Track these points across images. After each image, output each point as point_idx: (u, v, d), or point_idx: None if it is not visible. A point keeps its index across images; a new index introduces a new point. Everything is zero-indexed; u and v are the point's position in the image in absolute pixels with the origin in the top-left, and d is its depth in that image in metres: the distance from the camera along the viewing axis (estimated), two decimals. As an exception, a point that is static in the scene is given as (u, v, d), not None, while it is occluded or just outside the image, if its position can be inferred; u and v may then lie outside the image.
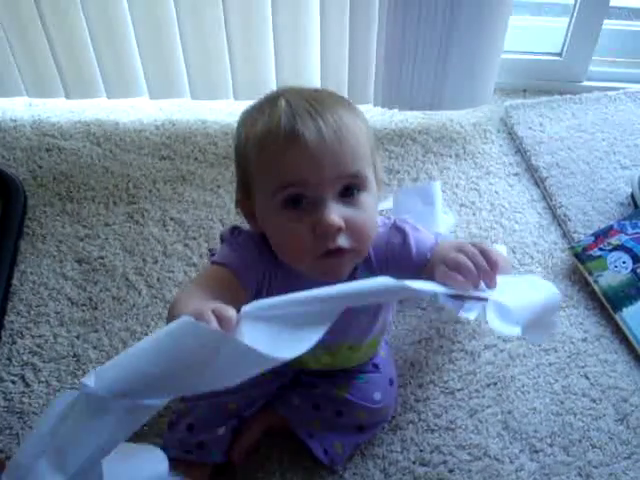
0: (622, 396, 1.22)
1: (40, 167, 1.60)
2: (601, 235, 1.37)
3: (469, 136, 1.64)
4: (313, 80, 1.61)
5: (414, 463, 1.12)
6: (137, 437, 0.87)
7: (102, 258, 1.39)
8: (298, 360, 0.67)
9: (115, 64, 1.62)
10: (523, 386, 1.22)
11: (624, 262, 1.34)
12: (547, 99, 1.73)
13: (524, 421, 1.18)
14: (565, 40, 1.73)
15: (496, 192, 1.51)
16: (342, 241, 0.82)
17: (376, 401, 1.11)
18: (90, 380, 0.66)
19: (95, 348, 1.26)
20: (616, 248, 1.35)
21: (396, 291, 0.72)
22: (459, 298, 0.87)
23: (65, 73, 1.64)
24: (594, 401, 1.21)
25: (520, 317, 0.72)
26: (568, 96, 1.74)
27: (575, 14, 1.67)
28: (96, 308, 1.31)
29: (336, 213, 0.81)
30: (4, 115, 1.74)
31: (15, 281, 1.37)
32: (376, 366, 1.15)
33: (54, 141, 1.66)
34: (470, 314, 1.25)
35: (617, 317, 1.30)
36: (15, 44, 1.60)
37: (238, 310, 0.69)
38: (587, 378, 1.24)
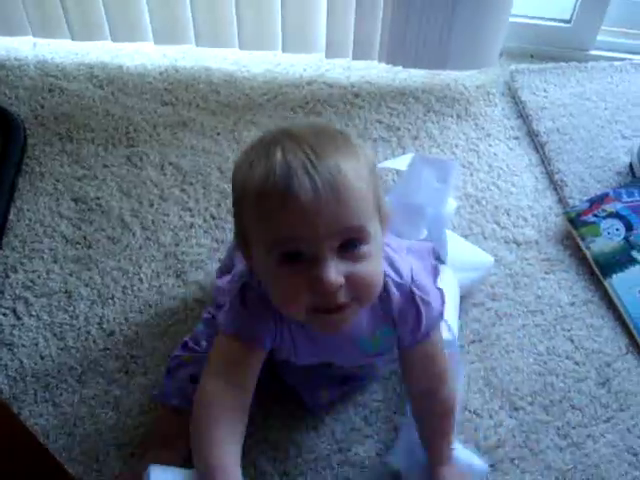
0: (606, 361, 1.23)
1: (42, 107, 1.60)
2: (596, 202, 1.38)
3: (472, 98, 1.63)
4: (319, 38, 1.61)
5: (395, 413, 1.14)
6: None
7: (98, 199, 1.40)
8: None
9: (121, 7, 1.62)
10: (508, 345, 1.23)
11: (617, 229, 1.34)
12: (553, 65, 1.72)
13: (506, 379, 1.19)
14: (574, 7, 1.72)
15: (495, 154, 1.51)
16: (343, 297, 0.81)
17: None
18: None
19: (87, 286, 1.27)
20: (610, 215, 1.36)
21: None
22: None
23: (71, 14, 1.63)
24: (577, 364, 1.22)
25: None
26: (574, 63, 1.73)
27: (586, -19, 1.66)
28: (90, 247, 1.32)
29: (335, 271, 0.78)
30: (9, 54, 1.73)
31: (12, 217, 1.38)
32: None
33: (57, 82, 1.66)
34: None
35: (606, 283, 1.30)
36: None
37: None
38: (572, 341, 1.25)
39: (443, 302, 0.96)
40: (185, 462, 1.02)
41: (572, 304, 1.29)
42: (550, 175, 1.49)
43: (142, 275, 1.28)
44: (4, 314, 1.24)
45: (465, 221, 1.39)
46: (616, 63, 1.73)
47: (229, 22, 1.60)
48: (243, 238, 0.87)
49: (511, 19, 1.61)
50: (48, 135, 1.53)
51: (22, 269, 1.30)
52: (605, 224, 1.35)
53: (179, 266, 1.30)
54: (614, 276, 1.30)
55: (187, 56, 1.72)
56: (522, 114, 1.61)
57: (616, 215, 1.36)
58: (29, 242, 1.33)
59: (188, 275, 1.28)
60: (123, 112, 1.57)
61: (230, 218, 1.36)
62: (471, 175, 1.47)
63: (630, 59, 1.76)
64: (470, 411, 1.14)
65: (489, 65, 1.66)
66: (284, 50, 1.63)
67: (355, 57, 1.63)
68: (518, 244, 1.36)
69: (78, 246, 1.33)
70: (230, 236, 1.33)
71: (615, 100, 1.65)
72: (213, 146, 1.49)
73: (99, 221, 1.36)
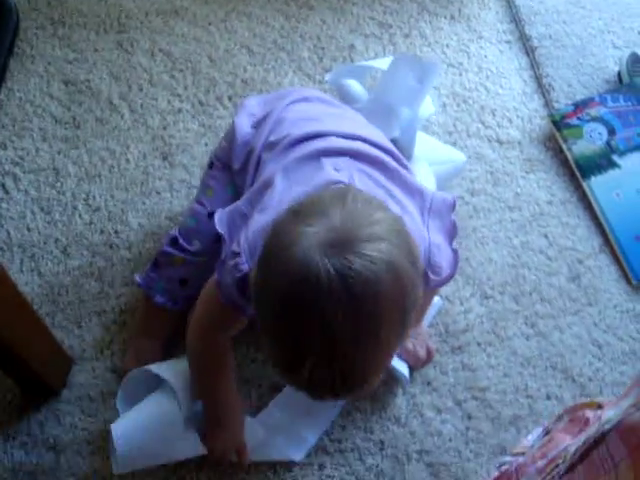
0: (578, 258, 1.27)
1: (35, -9, 1.59)
2: (581, 105, 1.39)
3: (467, 0, 1.62)
4: None
5: (369, 295, 1.17)
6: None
7: (88, 81, 1.41)
8: None
9: None
10: (483, 237, 1.26)
11: (600, 133, 1.36)
12: (550, -28, 1.71)
13: (479, 269, 1.23)
14: None
15: (485, 56, 1.52)
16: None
17: None
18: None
19: (75, 164, 1.29)
20: (594, 119, 1.37)
21: None
22: None
23: None
24: (550, 259, 1.26)
25: None
26: (572, -29, 1.71)
27: None
28: (79, 127, 1.34)
29: None
30: (2, -63, 1.71)
31: (2, 97, 1.39)
32: None
33: (51, -33, 1.64)
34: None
35: (585, 184, 1.33)
36: None
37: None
38: (546, 237, 1.28)
39: (456, 264, 0.92)
40: (166, 354, 1.09)
41: (550, 203, 1.32)
42: (538, 79, 1.49)
43: (129, 155, 1.30)
44: (-7, 188, 1.26)
45: (450, 119, 1.40)
46: (614, -27, 1.72)
47: None
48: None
49: None
50: (41, 19, 1.53)
51: (12, 146, 1.31)
52: (588, 127, 1.37)
53: (166, 148, 1.31)
54: (593, 178, 1.33)
55: (182, -54, 1.70)
56: (515, 18, 1.60)
57: (600, 119, 1.37)
58: (19, 121, 1.35)
59: (174, 157, 1.30)
60: (116, -1, 1.57)
61: (219, 105, 1.38)
62: (460, 75, 1.47)
63: (629, -30, 1.74)
64: (441, 296, 1.18)
65: (486, -32, 1.65)
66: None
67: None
68: (501, 143, 1.38)
69: (67, 126, 1.34)
70: (218, 122, 1.35)
71: (610, 10, 1.64)
72: (204, 35, 1.49)
73: (88, 103, 1.37)
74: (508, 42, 1.56)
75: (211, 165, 1.11)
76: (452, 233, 0.93)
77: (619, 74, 1.49)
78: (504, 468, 0.83)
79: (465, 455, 1.08)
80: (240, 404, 1.02)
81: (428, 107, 1.31)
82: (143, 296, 1.10)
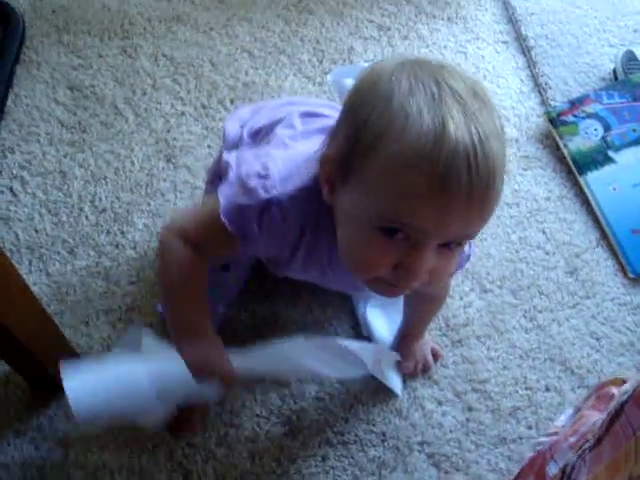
0: (575, 252, 1.29)
1: (40, 0, 1.62)
2: (577, 103, 1.41)
3: (464, 1, 1.65)
4: None
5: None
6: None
7: (93, 87, 1.44)
8: None
9: None
10: (482, 233, 1.24)
11: (595, 129, 1.38)
12: (546, -27, 1.73)
13: (478, 264, 1.25)
14: None
15: (482, 57, 1.54)
16: (416, 285, 0.75)
17: None
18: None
19: (81, 167, 1.32)
20: (590, 116, 1.40)
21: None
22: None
23: None
24: (547, 254, 1.28)
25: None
26: (568, -28, 1.74)
27: None
28: (84, 131, 1.37)
29: (428, 265, 0.71)
30: (7, -52, 1.75)
31: (9, 102, 1.41)
32: None
33: (55, -24, 1.68)
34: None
35: (581, 180, 1.35)
36: None
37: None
38: (544, 233, 1.30)
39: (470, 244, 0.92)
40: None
41: (547, 199, 1.34)
42: (535, 78, 1.52)
43: (134, 158, 1.33)
44: (1, 191, 1.29)
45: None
46: (610, -27, 1.74)
47: None
48: (344, 169, 0.73)
49: None
50: (46, 27, 1.56)
51: (19, 150, 1.34)
52: (584, 124, 1.39)
53: (169, 151, 1.34)
54: (589, 174, 1.35)
55: (184, -47, 1.74)
56: (512, 19, 1.63)
57: (595, 116, 1.40)
58: (26, 126, 1.38)
59: (178, 159, 1.33)
60: (119, 6, 1.59)
61: (221, 108, 1.41)
62: (457, 75, 1.50)
63: (624, -30, 1.77)
64: (442, 293, 1.20)
65: (482, -30, 1.68)
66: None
67: (350, -42, 1.65)
68: (498, 141, 1.40)
69: (73, 130, 1.37)
70: (220, 125, 1.37)
71: (605, 10, 1.67)
72: (206, 40, 1.52)
73: (93, 107, 1.40)
74: (505, 42, 1.59)
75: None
76: None
77: (614, 71, 1.51)
78: (539, 449, 0.85)
79: (466, 446, 1.10)
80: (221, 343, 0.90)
81: None
82: None
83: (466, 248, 0.90)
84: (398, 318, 1.15)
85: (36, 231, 1.24)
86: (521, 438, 1.10)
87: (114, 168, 1.32)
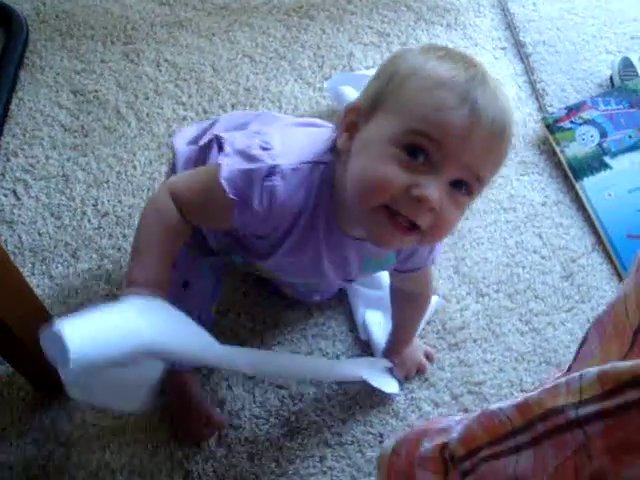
0: (571, 257, 1.30)
1: (44, 4, 1.64)
2: (574, 109, 1.43)
3: (463, 8, 1.67)
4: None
5: (368, 293, 1.22)
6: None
7: (96, 91, 1.46)
8: None
9: None
10: (479, 238, 1.30)
11: (592, 136, 1.40)
12: (545, -20, 1.75)
13: (475, 268, 1.27)
14: None
15: (480, 63, 1.56)
16: (424, 221, 0.75)
17: None
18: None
19: (83, 170, 1.34)
20: (586, 122, 1.41)
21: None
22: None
23: None
24: (544, 258, 1.30)
25: None
26: (566, -21, 1.76)
27: None
28: (87, 135, 1.39)
29: (438, 195, 0.73)
30: (10, -47, 1.77)
31: (13, 106, 1.43)
32: None
33: (58, -19, 1.70)
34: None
35: (578, 186, 1.37)
36: None
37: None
38: (540, 237, 1.32)
39: None
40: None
41: (543, 204, 1.36)
42: (533, 84, 1.54)
43: (136, 162, 1.35)
44: (5, 195, 1.31)
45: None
46: (607, -20, 1.76)
47: None
48: (372, 107, 0.78)
49: None
50: (49, 31, 1.58)
51: (22, 154, 1.36)
52: (580, 130, 1.41)
53: (171, 155, 1.35)
54: (585, 179, 1.37)
55: (186, -41, 1.76)
56: (510, 25, 1.65)
57: (592, 122, 1.41)
58: (29, 130, 1.40)
59: (179, 164, 1.35)
60: (122, 11, 1.61)
61: (222, 113, 1.42)
62: (455, 81, 1.51)
63: (621, -23, 1.78)
64: (439, 295, 1.22)
65: (481, -23, 1.70)
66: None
67: (350, -35, 1.67)
68: (496, 147, 1.42)
69: (76, 134, 1.39)
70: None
71: (603, 16, 1.69)
72: (208, 45, 1.54)
73: (96, 112, 1.42)
74: (503, 49, 1.61)
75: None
76: None
77: (611, 78, 1.53)
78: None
79: (462, 447, 1.11)
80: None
81: None
82: None
83: (437, 247, 0.97)
84: None
85: (39, 234, 1.26)
86: (516, 440, 1.12)
87: (116, 172, 1.33)
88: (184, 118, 1.41)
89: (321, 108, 1.45)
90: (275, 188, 0.80)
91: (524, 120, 1.47)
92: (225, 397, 1.11)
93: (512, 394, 1.16)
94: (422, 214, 0.74)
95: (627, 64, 1.50)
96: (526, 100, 1.51)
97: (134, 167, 1.34)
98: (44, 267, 1.22)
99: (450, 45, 1.58)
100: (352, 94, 1.34)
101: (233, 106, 1.44)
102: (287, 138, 0.87)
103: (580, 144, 1.39)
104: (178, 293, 0.97)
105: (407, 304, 1.10)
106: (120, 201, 1.30)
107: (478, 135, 0.72)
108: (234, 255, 1.00)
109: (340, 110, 1.15)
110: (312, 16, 1.60)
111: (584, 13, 1.68)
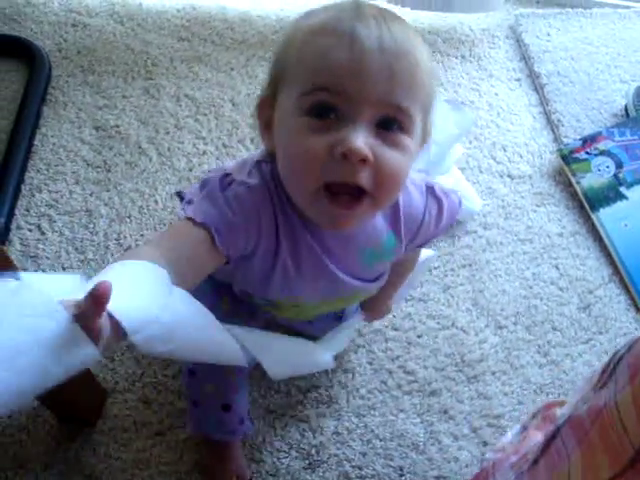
0: (588, 288, 1.31)
1: (65, 41, 1.68)
2: (589, 140, 1.44)
3: (477, 40, 1.69)
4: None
5: (386, 327, 1.23)
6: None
7: (118, 126, 1.49)
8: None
9: (142, -55, 1.68)
10: (496, 270, 1.31)
11: (607, 166, 1.41)
12: (558, 11, 1.78)
13: (493, 300, 1.28)
14: (582, -46, 1.77)
15: (496, 94, 1.58)
16: (364, 179, 0.68)
17: None
18: None
19: (106, 205, 1.36)
20: (602, 153, 1.43)
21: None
22: None
23: (94, -49, 1.70)
24: (561, 289, 1.31)
25: None
26: (579, 9, 1.78)
27: None
28: (109, 170, 1.41)
29: (365, 141, 0.67)
30: (34, -10, 1.81)
31: (36, 142, 1.46)
32: None
33: (80, 17, 1.73)
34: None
35: (594, 216, 1.38)
36: None
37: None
38: (557, 269, 1.33)
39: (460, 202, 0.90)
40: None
41: (560, 235, 1.37)
42: (548, 115, 1.55)
43: (157, 197, 1.37)
44: (30, 229, 1.33)
45: (463, 155, 1.46)
46: (620, 10, 1.79)
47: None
48: (272, 86, 0.75)
49: (518, -36, 1.66)
50: (71, 67, 1.61)
51: (46, 189, 1.39)
52: (596, 161, 1.42)
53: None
54: (602, 210, 1.38)
55: (205, -5, 1.79)
56: (524, 56, 1.67)
57: (607, 153, 1.43)
58: (53, 165, 1.42)
59: (200, 198, 1.37)
60: (142, 47, 1.65)
61: (241, 147, 1.45)
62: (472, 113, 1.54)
63: (634, 7, 1.81)
64: (457, 327, 1.23)
65: (495, 9, 1.72)
66: (298, -10, 1.70)
67: (366, -2, 1.69)
68: (512, 178, 1.44)
69: (98, 169, 1.41)
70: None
71: (616, 46, 1.71)
72: (227, 80, 1.57)
73: (118, 147, 1.45)
74: (518, 80, 1.63)
75: None
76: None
77: (626, 108, 1.54)
78: (484, 464, 0.87)
79: (481, 480, 1.12)
80: None
81: (458, 150, 1.37)
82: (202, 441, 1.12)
83: (453, 197, 0.88)
84: None
85: (63, 268, 1.28)
86: (536, 473, 1.12)
87: (138, 207, 1.36)
88: (204, 152, 1.44)
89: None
90: (238, 191, 0.76)
91: (539, 151, 1.49)
92: (246, 430, 1.12)
93: (531, 426, 1.16)
94: (358, 171, 0.68)
95: (642, 94, 1.51)
96: (541, 131, 1.53)
97: (155, 201, 1.36)
98: (68, 302, 1.24)
99: (465, 77, 1.60)
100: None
101: (252, 140, 1.46)
102: (240, 161, 0.83)
103: (596, 175, 1.41)
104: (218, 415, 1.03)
105: (394, 265, 0.97)
106: (142, 235, 1.32)
107: (371, 66, 0.66)
108: (255, 296, 0.95)
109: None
110: (329, 50, 1.63)
111: (598, 42, 1.70)
